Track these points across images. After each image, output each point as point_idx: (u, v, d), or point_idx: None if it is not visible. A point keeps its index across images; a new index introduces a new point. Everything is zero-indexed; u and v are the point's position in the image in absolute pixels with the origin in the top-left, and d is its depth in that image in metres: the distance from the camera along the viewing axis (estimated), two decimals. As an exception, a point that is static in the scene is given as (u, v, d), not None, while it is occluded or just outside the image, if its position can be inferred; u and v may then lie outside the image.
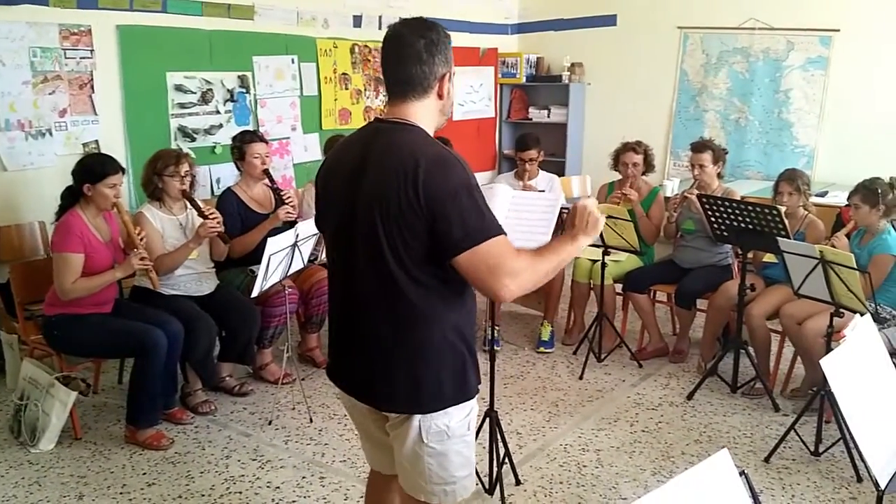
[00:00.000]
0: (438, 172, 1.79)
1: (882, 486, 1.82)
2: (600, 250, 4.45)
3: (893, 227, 3.89)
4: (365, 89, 6.33)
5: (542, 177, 5.16)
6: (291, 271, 3.84)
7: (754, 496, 1.46)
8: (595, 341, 4.63)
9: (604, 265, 4.51)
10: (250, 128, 5.31)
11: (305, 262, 3.92)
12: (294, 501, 3.17)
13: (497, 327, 4.76)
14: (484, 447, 3.15)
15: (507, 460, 3.19)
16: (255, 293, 3.65)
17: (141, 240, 3.60)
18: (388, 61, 1.95)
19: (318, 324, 4.51)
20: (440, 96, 1.96)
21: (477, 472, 2.72)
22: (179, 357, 3.76)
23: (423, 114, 1.94)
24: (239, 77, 5.38)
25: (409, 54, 1.89)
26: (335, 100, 6.11)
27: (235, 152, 4.32)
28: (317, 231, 3.76)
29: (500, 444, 3.13)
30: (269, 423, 3.86)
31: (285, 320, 4.14)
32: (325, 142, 5.00)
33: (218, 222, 3.83)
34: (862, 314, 2.15)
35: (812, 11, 6.33)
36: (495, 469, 3.13)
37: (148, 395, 3.59)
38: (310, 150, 5.93)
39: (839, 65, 6.28)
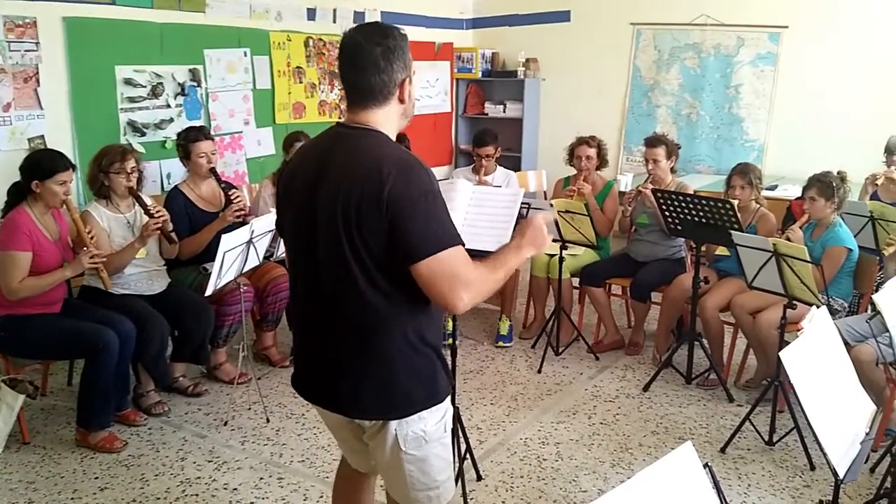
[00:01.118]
0: (402, 178, 1.78)
1: (841, 476, 1.85)
2: (558, 245, 4.48)
3: (843, 220, 3.99)
4: (319, 83, 6.26)
5: (499, 172, 5.17)
6: (246, 268, 3.77)
7: (718, 489, 1.47)
8: (553, 335, 4.66)
9: (561, 259, 4.54)
10: (201, 122, 5.20)
11: (261, 258, 3.86)
12: (252, 503, 3.12)
13: (456, 322, 4.75)
14: (445, 443, 3.14)
15: (468, 456, 3.19)
16: (209, 291, 3.57)
17: (91, 238, 3.50)
18: (347, 70, 1.91)
19: (273, 322, 4.44)
20: (401, 101, 1.93)
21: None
22: (131, 357, 3.66)
23: (385, 119, 1.92)
24: (190, 70, 5.27)
25: (367, 63, 1.86)
26: (289, 93, 6.02)
27: (180, 150, 4.20)
28: (273, 228, 3.71)
29: (462, 440, 3.13)
30: (225, 423, 3.80)
31: (240, 318, 4.07)
32: (284, 139, 4.93)
33: (164, 220, 3.75)
34: (817, 306, 2.19)
35: (761, 8, 6.47)
36: (457, 465, 3.12)
37: (99, 396, 3.49)
38: (263, 144, 5.83)
39: (788, 60, 6.43)
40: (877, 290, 2.48)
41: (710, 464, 1.46)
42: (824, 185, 3.89)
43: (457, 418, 3.09)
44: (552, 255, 4.69)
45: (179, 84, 5.20)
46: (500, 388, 4.26)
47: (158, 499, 3.14)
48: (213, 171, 4.18)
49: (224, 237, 3.44)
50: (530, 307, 5.09)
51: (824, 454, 1.86)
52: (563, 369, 4.51)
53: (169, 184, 4.97)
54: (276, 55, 5.88)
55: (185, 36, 5.20)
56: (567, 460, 3.48)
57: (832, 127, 6.24)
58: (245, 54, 5.64)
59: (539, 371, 4.46)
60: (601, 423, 3.84)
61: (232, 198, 4.13)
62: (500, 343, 4.86)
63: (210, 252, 3.63)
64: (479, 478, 3.29)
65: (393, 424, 1.92)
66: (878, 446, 3.44)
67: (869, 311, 3.88)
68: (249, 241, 3.62)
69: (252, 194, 5.06)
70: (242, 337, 3.96)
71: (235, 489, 3.22)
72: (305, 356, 2.06)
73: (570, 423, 3.84)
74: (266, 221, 3.66)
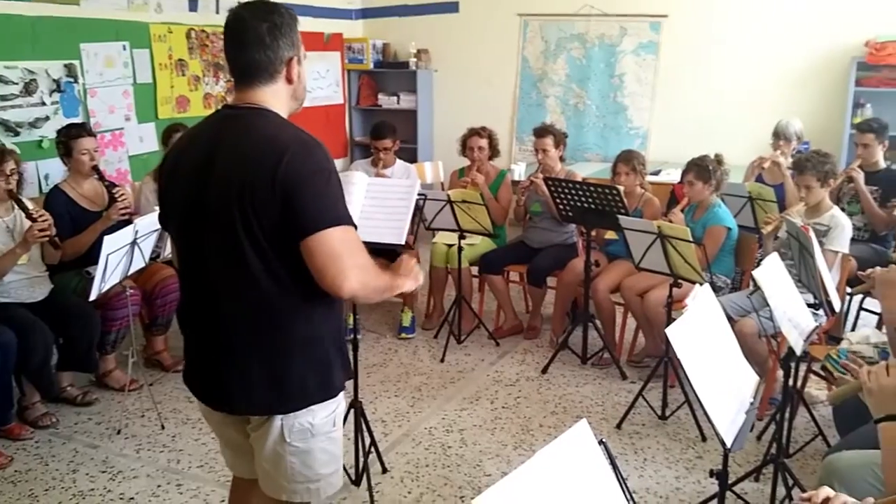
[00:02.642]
0: (297, 155, 1.74)
1: (728, 445, 1.95)
2: (456, 235, 4.52)
3: (722, 200, 4.21)
4: (204, 75, 6.05)
5: (399, 165, 5.15)
6: (132, 271, 3.62)
7: (613, 463, 1.52)
8: (454, 324, 4.71)
9: (460, 249, 4.59)
10: (80, 119, 4.94)
11: (147, 260, 3.71)
12: (150, 513, 3.02)
13: (357, 316, 4.72)
14: (349, 438, 3.10)
15: (372, 449, 3.18)
16: (93, 296, 3.41)
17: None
18: (231, 47, 1.86)
19: (164, 325, 4.28)
20: (289, 81, 1.89)
21: (343, 465, 2.69)
22: (13, 369, 3.46)
23: (274, 99, 1.87)
24: (66, 66, 4.98)
25: (252, 39, 1.82)
26: (172, 87, 5.79)
27: (61, 148, 4.00)
28: (158, 227, 3.57)
29: (366, 434, 3.12)
30: (118, 432, 3.64)
31: (128, 323, 3.90)
32: (163, 132, 4.74)
33: (49, 225, 3.56)
34: (701, 284, 2.30)
35: (643, -2, 6.71)
36: (361, 459, 3.11)
37: (-22, 412, 3.28)
38: (146, 140, 5.60)
39: (668, 49, 6.71)
40: (757, 267, 2.65)
41: (607, 440, 1.51)
42: (701, 169, 4.09)
43: (360, 413, 3.08)
44: (451, 245, 4.74)
45: (55, 80, 4.91)
46: (404, 379, 4.27)
47: (47, 516, 2.98)
48: (96, 168, 4.00)
49: (107, 238, 3.29)
50: (431, 298, 5.13)
51: (712, 425, 1.96)
52: (465, 357, 4.56)
53: (47, 185, 4.69)
54: (157, 48, 5.64)
55: (59, 29, 4.91)
56: (471, 446, 3.53)
57: (711, 113, 6.55)
58: (124, 48, 5.38)
59: (442, 360, 4.49)
60: (503, 408, 3.91)
61: (116, 196, 3.96)
62: (403, 335, 4.87)
63: (93, 254, 3.46)
64: (385, 470, 3.29)
65: (279, 416, 1.87)
66: (763, 415, 3.66)
67: (751, 287, 4.11)
68: (134, 242, 3.48)
69: (135, 193, 4.85)
70: (131, 342, 3.80)
71: (132, 499, 3.10)
72: (195, 351, 1.98)
73: (474, 410, 3.89)
74: (150, 220, 3.52)
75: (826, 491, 1.37)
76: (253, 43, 1.82)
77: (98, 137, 4.41)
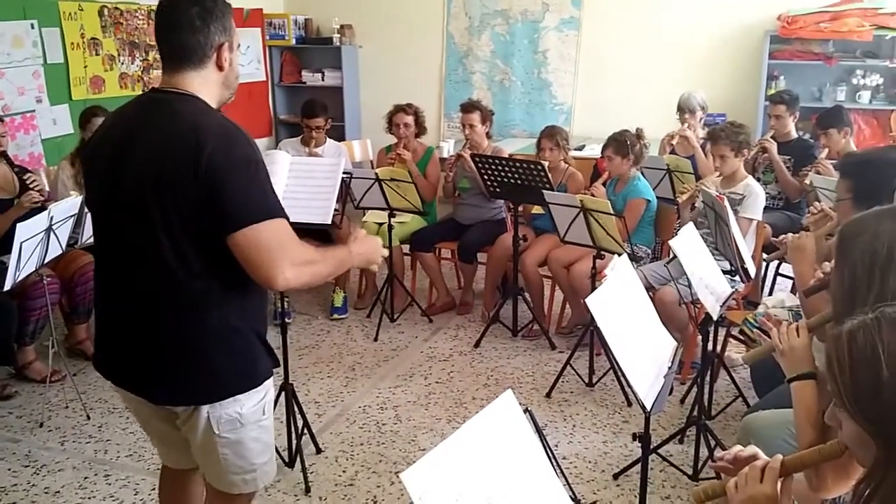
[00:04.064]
0: (222, 145, 1.70)
1: (648, 408, 2.03)
2: (386, 213, 4.51)
3: (642, 174, 4.32)
4: (119, 55, 5.84)
5: (330, 145, 5.09)
6: (48, 258, 3.50)
7: (538, 430, 1.57)
8: (387, 302, 4.71)
9: (390, 227, 4.58)
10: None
11: (64, 247, 3.59)
12: (78, 505, 2.95)
13: (287, 298, 4.68)
14: (281, 421, 3.10)
15: (306, 431, 3.18)
16: (7, 286, 3.28)
17: None
18: (161, 30, 1.82)
19: (85, 314, 4.16)
20: (220, 67, 1.85)
21: (276, 448, 2.68)
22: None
23: (202, 85, 1.83)
24: (-33, 45, 4.74)
25: (182, 22, 1.78)
26: (85, 67, 5.57)
27: None
28: (75, 212, 3.48)
29: (298, 416, 3.11)
30: (41, 424, 3.54)
31: (47, 313, 3.77)
32: (81, 114, 4.57)
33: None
34: (620, 254, 2.36)
35: (563, -26, 6.75)
36: (294, 441, 3.10)
37: None
38: (60, 123, 5.38)
39: (589, 25, 6.78)
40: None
41: (537, 409, 1.56)
42: (619, 144, 4.19)
43: (291, 395, 3.07)
44: (381, 224, 4.73)
45: (-44, 60, 4.68)
46: (338, 359, 4.26)
47: (-33, 515, 2.89)
48: (3, 154, 3.84)
49: (20, 226, 3.17)
50: (363, 277, 5.11)
51: (632, 389, 2.03)
52: (398, 335, 4.58)
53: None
54: (68, 26, 5.41)
55: (-42, 7, 4.67)
56: (405, 422, 3.56)
57: (632, 88, 6.67)
58: (32, 26, 5.14)
59: (375, 339, 4.50)
60: (437, 383, 3.96)
61: (28, 182, 3.80)
62: (336, 315, 4.84)
63: (6, 243, 3.32)
64: (319, 451, 3.29)
65: (205, 408, 1.84)
66: (686, 379, 3.80)
67: (670, 256, 4.25)
68: (49, 229, 3.36)
69: (50, 177, 4.67)
70: (51, 332, 3.68)
71: (58, 492, 3.02)
72: (111, 337, 1.93)
73: (408, 386, 3.92)
74: (67, 206, 3.41)
75: (736, 449, 1.45)
76: (183, 26, 1.78)
77: (7, 121, 4.23)
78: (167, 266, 1.75)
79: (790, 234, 2.81)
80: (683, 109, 5.04)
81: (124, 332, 1.88)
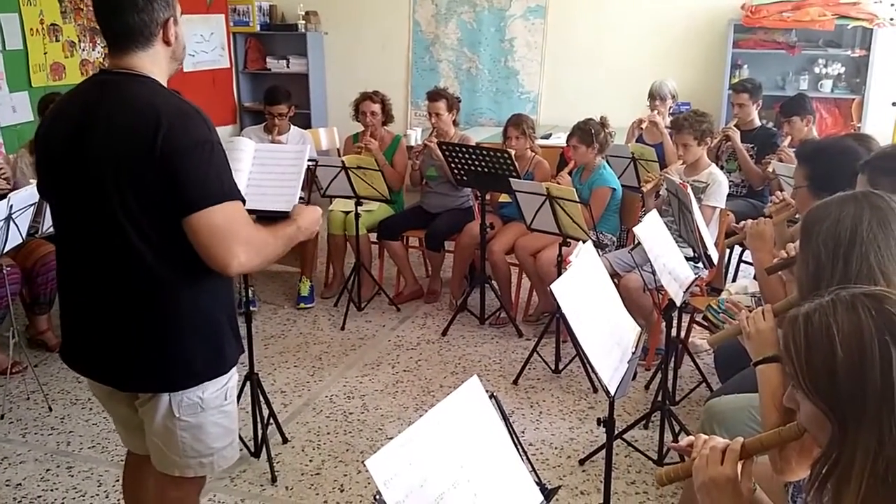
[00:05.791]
0: (178, 126, 1.69)
1: (612, 393, 2.05)
2: (353, 201, 4.49)
3: (607, 162, 4.35)
4: (80, 41, 5.72)
5: (294, 132, 5.04)
6: (8, 248, 3.43)
7: (504, 416, 1.58)
8: (354, 291, 4.70)
9: (357, 216, 4.56)
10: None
11: (24, 236, 3.52)
12: (40, 497, 2.90)
13: (252, 287, 4.64)
14: (247, 411, 3.09)
15: (272, 420, 3.16)
16: (-35, 276, 3.22)
17: None
18: (103, 11, 1.78)
19: (47, 304, 4.08)
20: (167, 43, 1.82)
21: (241, 438, 2.66)
22: None
23: (152, 64, 1.80)
24: (-79, 31, 4.61)
25: (124, 4, 1.74)
26: (45, 53, 5.46)
27: None
28: (35, 201, 3.41)
29: (264, 406, 3.09)
30: (1, 416, 3.48)
31: (7, 303, 3.70)
32: (40, 102, 4.47)
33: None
34: (585, 242, 2.38)
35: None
36: (260, 431, 3.08)
37: None
38: (19, 110, 5.27)
39: (555, 13, 6.79)
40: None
41: (503, 395, 1.57)
42: (584, 133, 4.21)
43: (257, 385, 3.05)
44: (348, 212, 4.70)
45: None
46: (304, 349, 4.24)
47: (-75, 510, 2.83)
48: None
49: (-23, 215, 3.10)
50: (330, 266, 5.09)
51: (596, 375, 2.05)
52: (366, 324, 4.57)
53: None
54: (27, 12, 5.29)
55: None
56: (373, 411, 3.56)
57: (598, 76, 6.71)
58: (-11, 11, 5.03)
59: (342, 328, 4.48)
60: (404, 371, 3.96)
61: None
62: (302, 304, 4.81)
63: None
64: (285, 440, 3.27)
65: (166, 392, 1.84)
66: (651, 365, 3.85)
67: (634, 243, 4.29)
68: (8, 217, 3.29)
69: (10, 165, 4.57)
70: (12, 323, 3.62)
71: (20, 485, 2.98)
72: (75, 325, 1.91)
73: (375, 375, 3.92)
74: (26, 195, 3.34)
75: (689, 439, 1.47)
76: (125, 7, 1.75)
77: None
78: (132, 251, 1.73)
79: (749, 221, 2.85)
80: (655, 96, 5.08)
81: (90, 321, 1.86)
